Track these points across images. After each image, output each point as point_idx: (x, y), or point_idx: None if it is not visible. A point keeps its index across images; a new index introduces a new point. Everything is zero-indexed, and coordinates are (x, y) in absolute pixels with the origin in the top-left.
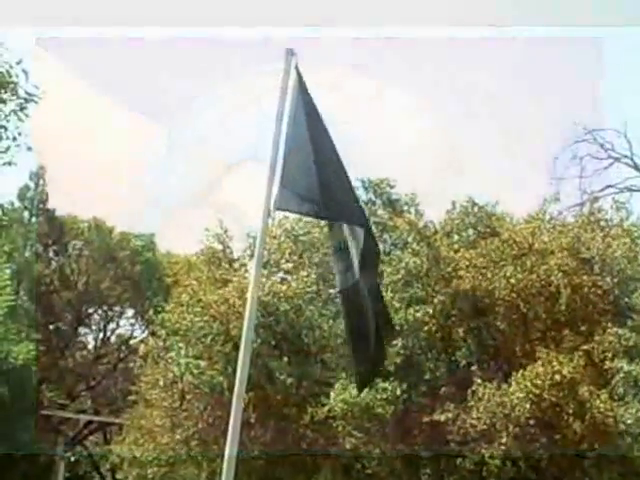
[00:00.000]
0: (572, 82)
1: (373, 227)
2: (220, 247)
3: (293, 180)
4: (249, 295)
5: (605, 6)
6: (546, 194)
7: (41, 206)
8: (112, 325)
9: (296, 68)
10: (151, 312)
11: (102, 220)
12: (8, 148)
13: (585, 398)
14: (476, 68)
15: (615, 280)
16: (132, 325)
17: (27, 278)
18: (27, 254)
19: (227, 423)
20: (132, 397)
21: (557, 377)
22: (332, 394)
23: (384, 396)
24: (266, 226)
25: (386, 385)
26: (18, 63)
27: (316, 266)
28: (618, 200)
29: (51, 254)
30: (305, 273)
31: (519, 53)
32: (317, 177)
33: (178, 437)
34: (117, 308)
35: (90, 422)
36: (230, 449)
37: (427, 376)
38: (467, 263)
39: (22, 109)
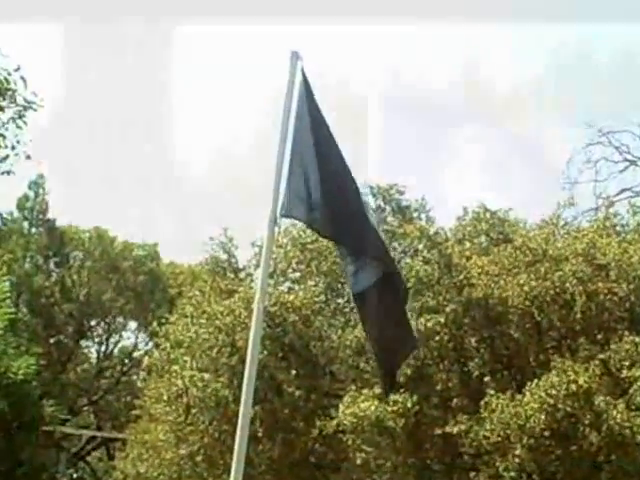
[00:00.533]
0: None
1: (382, 235)
2: (225, 256)
3: (298, 187)
4: (255, 305)
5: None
6: (560, 199)
7: (41, 216)
8: (115, 338)
9: (302, 71)
10: (155, 324)
11: (104, 230)
12: (6, 157)
13: (601, 408)
14: None
15: (631, 287)
16: (135, 337)
17: (27, 290)
18: (27, 265)
19: (233, 437)
20: (135, 411)
21: (572, 387)
22: (341, 407)
23: (395, 409)
24: (272, 234)
25: (397, 397)
26: (16, 70)
27: (324, 275)
28: (634, 204)
29: (52, 265)
30: (313, 282)
31: None
32: (320, 190)
33: (183, 452)
34: (120, 320)
35: (93, 437)
36: (237, 464)
37: (439, 387)
38: (479, 270)
39: (21, 117)
